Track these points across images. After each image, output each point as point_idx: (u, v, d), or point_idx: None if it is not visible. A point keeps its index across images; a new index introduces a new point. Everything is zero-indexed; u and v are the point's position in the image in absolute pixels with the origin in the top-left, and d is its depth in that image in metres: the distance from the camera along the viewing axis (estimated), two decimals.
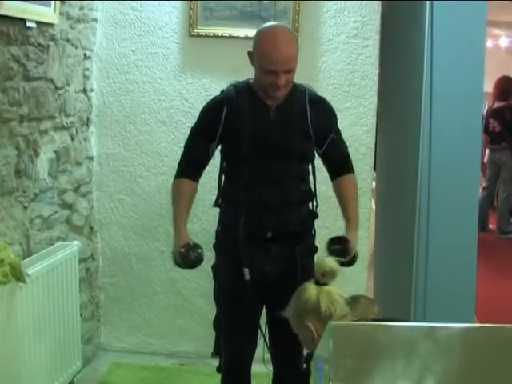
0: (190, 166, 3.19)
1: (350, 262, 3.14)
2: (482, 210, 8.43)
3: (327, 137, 3.15)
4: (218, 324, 3.27)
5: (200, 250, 3.05)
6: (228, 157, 3.17)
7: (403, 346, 1.59)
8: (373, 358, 1.54)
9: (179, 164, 3.24)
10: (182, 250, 3.04)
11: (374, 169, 4.68)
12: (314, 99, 3.12)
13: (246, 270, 3.05)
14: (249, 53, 3.02)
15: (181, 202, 3.20)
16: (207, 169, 4.12)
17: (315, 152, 3.21)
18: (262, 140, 3.03)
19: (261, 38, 2.99)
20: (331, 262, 2.64)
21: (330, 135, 3.16)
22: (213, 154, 3.17)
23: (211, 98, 3.24)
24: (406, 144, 4.42)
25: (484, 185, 8.51)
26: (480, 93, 4.26)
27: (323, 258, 2.67)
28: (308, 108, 3.07)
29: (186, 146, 3.24)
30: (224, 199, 3.22)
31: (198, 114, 3.22)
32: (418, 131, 4.16)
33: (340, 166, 3.28)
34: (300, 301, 2.62)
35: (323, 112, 3.15)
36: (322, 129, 3.11)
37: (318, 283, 2.61)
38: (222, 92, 3.16)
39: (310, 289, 2.60)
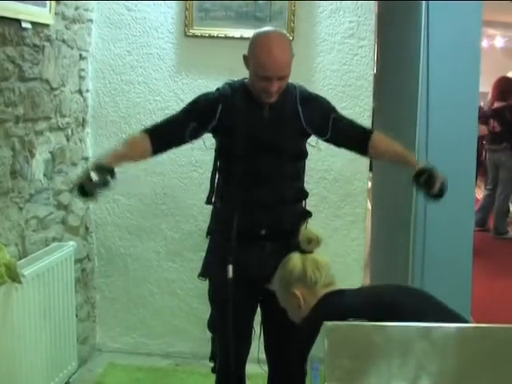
0: (159, 133, 3.09)
1: (442, 191, 2.99)
2: (485, 208, 8.46)
3: (327, 122, 3.11)
4: (212, 324, 3.27)
5: (109, 176, 2.85)
6: (222, 155, 3.17)
7: (398, 346, 1.59)
8: (368, 357, 1.54)
9: (151, 125, 3.17)
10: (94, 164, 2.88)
11: (370, 169, 4.68)
12: (304, 96, 3.12)
13: (230, 267, 3.03)
14: (244, 56, 3.03)
15: (124, 145, 3.10)
16: (203, 169, 4.15)
17: (322, 141, 3.20)
18: (255, 138, 3.04)
19: (256, 44, 2.99)
20: (316, 230, 2.68)
21: (330, 118, 3.12)
22: (191, 139, 3.11)
23: (206, 91, 3.22)
24: (403, 144, 4.43)
25: (489, 187, 8.53)
26: (476, 92, 4.27)
27: (307, 227, 2.69)
28: (299, 105, 3.07)
29: (168, 116, 3.17)
30: (218, 197, 3.21)
31: None
32: (413, 131, 4.18)
33: (359, 133, 3.20)
34: (285, 270, 2.67)
35: (315, 106, 3.13)
36: (318, 119, 3.10)
37: (302, 252, 2.65)
38: (218, 90, 3.16)
39: (295, 258, 2.66)
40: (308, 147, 3.19)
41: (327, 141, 3.20)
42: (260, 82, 2.95)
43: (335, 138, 3.18)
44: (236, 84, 3.13)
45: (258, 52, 2.95)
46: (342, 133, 3.17)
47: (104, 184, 2.84)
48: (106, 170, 2.85)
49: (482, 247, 6.44)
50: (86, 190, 2.83)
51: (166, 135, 3.12)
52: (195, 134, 3.11)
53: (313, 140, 3.21)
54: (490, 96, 8.35)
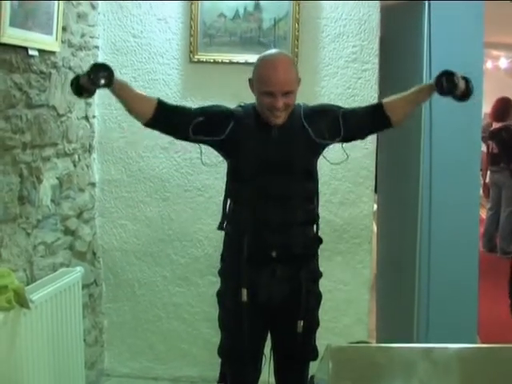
0: (166, 108, 3.18)
1: (469, 90, 2.93)
2: (488, 230, 8.47)
3: (337, 121, 3.09)
4: (222, 351, 3.25)
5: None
6: (232, 177, 3.17)
7: (402, 367, 1.59)
8: (372, 379, 1.55)
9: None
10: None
11: (375, 191, 4.69)
12: (307, 111, 3.12)
13: (244, 291, 3.03)
14: (249, 80, 3.07)
15: (135, 90, 3.20)
16: (209, 194, 4.18)
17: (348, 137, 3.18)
18: (264, 159, 3.03)
19: (260, 63, 3.03)
20: None
21: (339, 115, 3.11)
22: (192, 134, 3.10)
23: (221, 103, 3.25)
24: (408, 166, 4.44)
25: (489, 206, 8.56)
26: (479, 113, 4.30)
27: None
28: (304, 120, 3.06)
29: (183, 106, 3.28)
30: (229, 221, 3.20)
31: None
32: (418, 149, 4.19)
33: (370, 109, 3.22)
34: None
35: (319, 115, 3.13)
36: (326, 125, 3.09)
37: None
38: (232, 109, 3.17)
39: None
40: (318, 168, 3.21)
41: (345, 139, 3.16)
42: (265, 99, 2.96)
43: (351, 129, 3.14)
44: (247, 106, 3.15)
45: (261, 69, 2.99)
46: (354, 119, 3.14)
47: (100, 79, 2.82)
48: (106, 69, 2.85)
49: (488, 267, 6.44)
50: (81, 84, 2.86)
51: (170, 113, 3.16)
52: (196, 132, 3.09)
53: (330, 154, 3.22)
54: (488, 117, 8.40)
